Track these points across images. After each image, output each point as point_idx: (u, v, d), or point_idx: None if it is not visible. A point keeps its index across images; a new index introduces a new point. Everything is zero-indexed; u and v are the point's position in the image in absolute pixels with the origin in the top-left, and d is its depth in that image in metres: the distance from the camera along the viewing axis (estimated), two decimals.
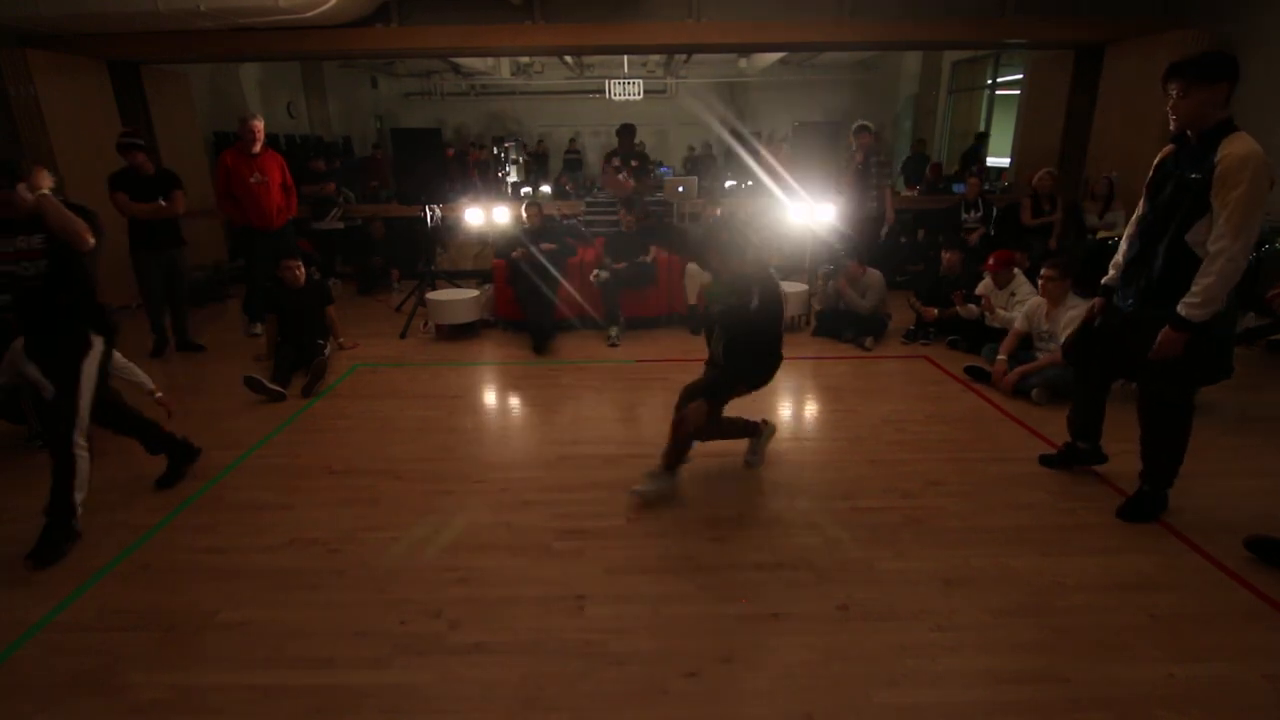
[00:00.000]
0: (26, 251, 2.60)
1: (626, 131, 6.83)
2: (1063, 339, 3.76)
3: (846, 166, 6.15)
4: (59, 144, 5.61)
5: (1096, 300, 2.83)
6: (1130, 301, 2.60)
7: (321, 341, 4.64)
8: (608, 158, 7.06)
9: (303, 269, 4.76)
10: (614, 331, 5.28)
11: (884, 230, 6.21)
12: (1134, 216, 2.65)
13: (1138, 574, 2.46)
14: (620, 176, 6.41)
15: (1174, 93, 2.37)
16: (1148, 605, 2.30)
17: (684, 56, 12.38)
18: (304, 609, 2.34)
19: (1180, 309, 2.37)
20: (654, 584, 2.44)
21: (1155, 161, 2.56)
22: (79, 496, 2.69)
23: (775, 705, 1.93)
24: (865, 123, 6.15)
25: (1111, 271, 2.74)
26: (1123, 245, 2.70)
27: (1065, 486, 3.07)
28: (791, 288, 5.62)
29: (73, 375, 2.66)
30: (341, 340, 5.09)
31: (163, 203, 4.90)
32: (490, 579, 2.49)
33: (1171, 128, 2.45)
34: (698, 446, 3.03)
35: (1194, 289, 2.34)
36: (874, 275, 5.22)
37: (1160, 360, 2.47)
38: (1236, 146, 2.25)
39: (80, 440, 2.67)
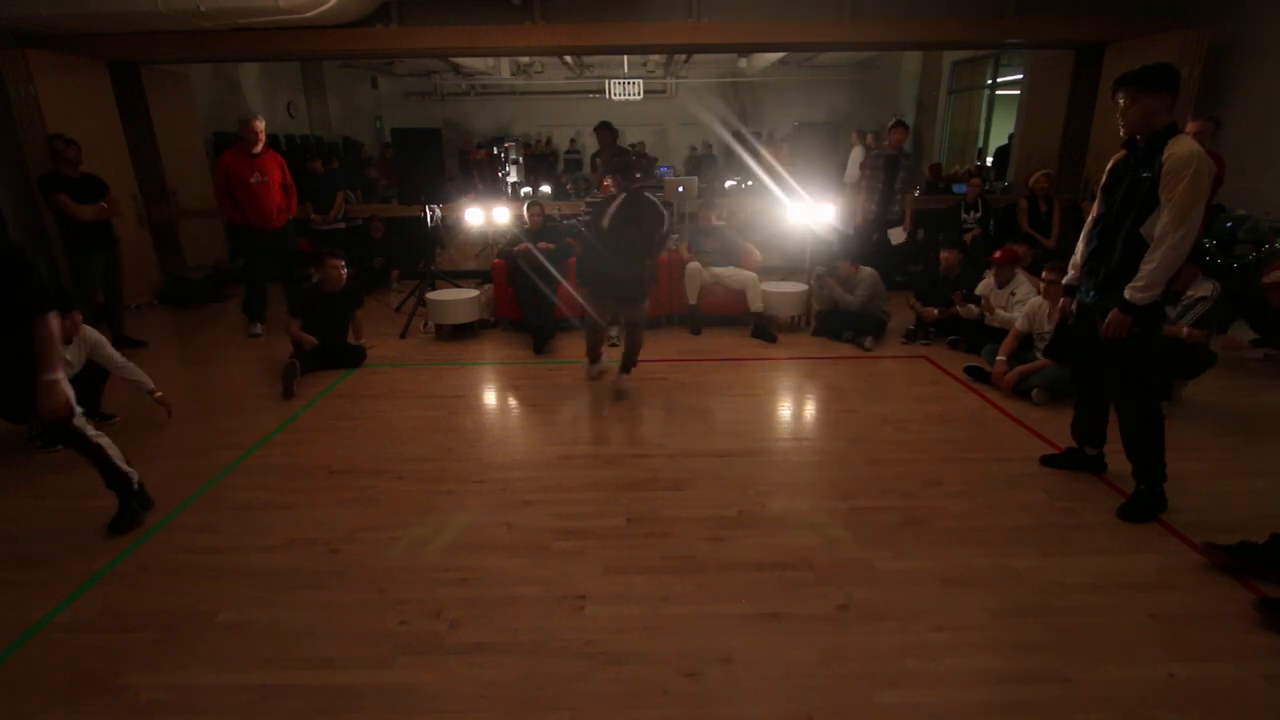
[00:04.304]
0: None
1: (606, 130, 6.73)
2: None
3: (871, 163, 6.15)
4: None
5: (1063, 300, 3.00)
6: (1092, 294, 2.79)
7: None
8: (593, 159, 7.05)
9: (345, 269, 4.76)
10: (614, 331, 5.27)
11: (903, 236, 6.19)
12: (1089, 218, 2.83)
13: (1138, 574, 2.46)
14: (606, 182, 6.39)
15: (1122, 101, 2.57)
16: (1148, 605, 2.30)
17: (684, 56, 12.38)
18: (304, 609, 2.34)
19: (1126, 293, 2.58)
20: (654, 584, 2.45)
21: (1109, 166, 2.75)
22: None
23: (775, 705, 1.93)
24: (902, 118, 6.12)
25: (1071, 272, 2.93)
26: (1079, 246, 2.88)
27: (1065, 486, 3.07)
28: (791, 288, 5.63)
29: None
30: (363, 342, 5.08)
31: (104, 204, 5.02)
32: (490, 579, 2.49)
33: (1122, 133, 2.64)
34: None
35: (1139, 274, 2.55)
36: (866, 272, 5.23)
37: (1110, 340, 2.67)
38: (1180, 147, 2.46)
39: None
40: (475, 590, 2.42)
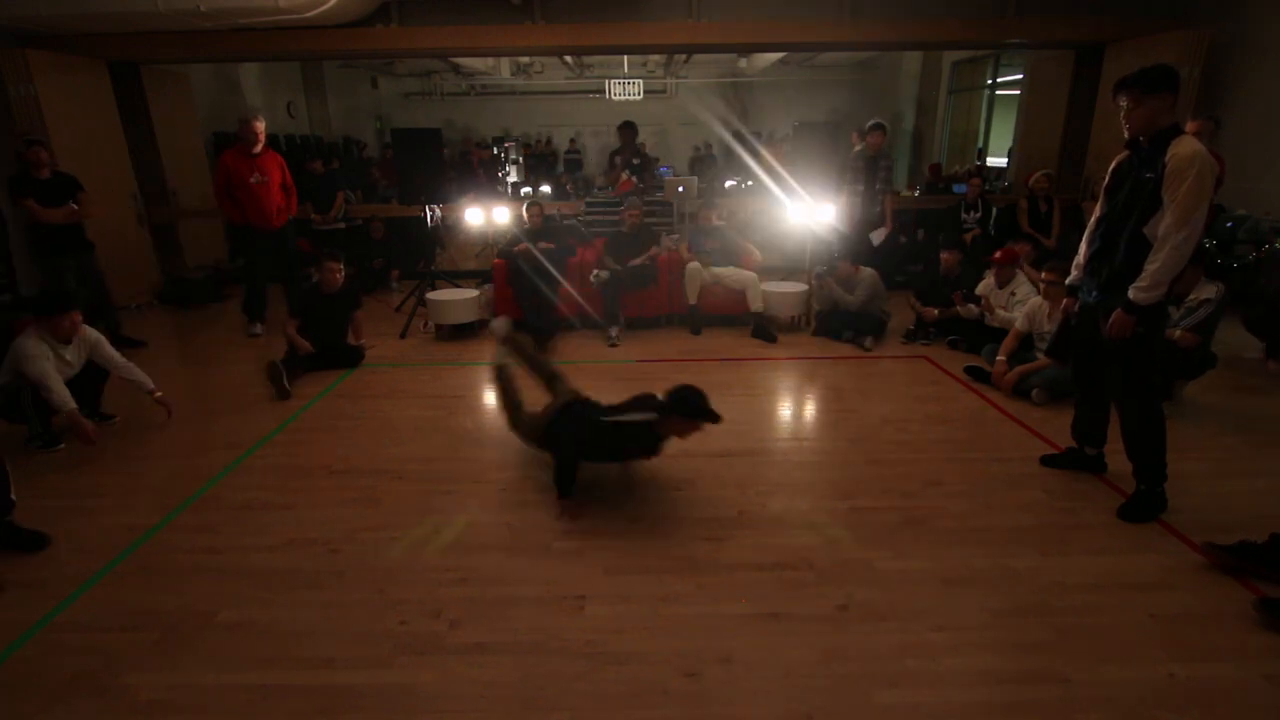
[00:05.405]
0: None
1: (629, 129, 6.84)
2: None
3: (852, 165, 6.15)
4: (59, 144, 5.58)
5: (1066, 301, 3.01)
6: (1095, 294, 2.79)
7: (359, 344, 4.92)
8: (611, 157, 7.17)
9: (342, 272, 4.75)
10: (614, 331, 5.28)
11: (883, 236, 6.19)
12: (1092, 218, 2.84)
13: (1138, 574, 2.46)
14: (624, 176, 6.46)
15: (1125, 104, 2.57)
16: (1148, 605, 2.30)
17: (684, 56, 12.38)
18: (304, 609, 2.34)
19: (1130, 293, 2.58)
20: (654, 584, 2.45)
21: (1111, 167, 2.75)
22: None
23: (775, 705, 1.93)
24: (880, 121, 6.12)
25: (1074, 272, 2.93)
26: (1082, 246, 2.88)
27: (1065, 486, 3.07)
28: (791, 288, 5.63)
29: None
30: (362, 342, 5.06)
31: (74, 206, 4.91)
32: (490, 579, 2.49)
33: (1125, 135, 2.65)
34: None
35: (1142, 274, 2.55)
36: (866, 272, 5.23)
37: (1114, 340, 2.67)
38: (1183, 148, 2.46)
39: None
40: (475, 590, 2.42)
